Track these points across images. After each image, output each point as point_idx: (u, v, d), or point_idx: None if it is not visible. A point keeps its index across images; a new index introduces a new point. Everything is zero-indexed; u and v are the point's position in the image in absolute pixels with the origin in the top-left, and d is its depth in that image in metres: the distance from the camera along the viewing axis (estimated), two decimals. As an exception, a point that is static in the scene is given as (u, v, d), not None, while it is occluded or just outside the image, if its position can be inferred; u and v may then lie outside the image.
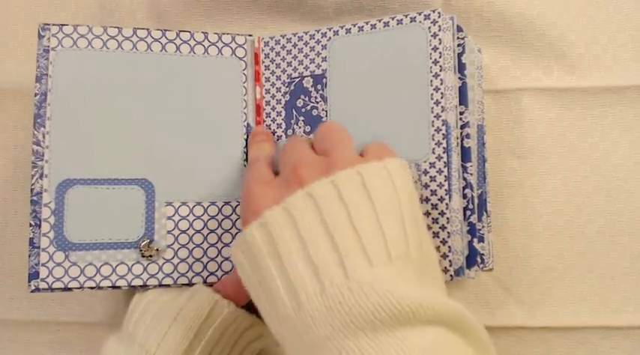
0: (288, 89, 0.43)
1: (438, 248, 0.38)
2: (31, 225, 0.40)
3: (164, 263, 0.41)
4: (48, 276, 0.39)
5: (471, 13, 0.47)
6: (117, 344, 0.39)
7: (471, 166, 0.40)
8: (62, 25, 0.41)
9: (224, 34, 0.44)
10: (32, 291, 0.39)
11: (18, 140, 0.49)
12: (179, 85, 0.42)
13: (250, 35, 0.44)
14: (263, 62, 0.44)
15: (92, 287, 0.40)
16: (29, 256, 0.39)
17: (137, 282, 0.40)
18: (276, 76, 0.44)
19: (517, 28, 0.47)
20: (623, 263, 0.46)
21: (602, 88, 0.47)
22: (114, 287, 0.40)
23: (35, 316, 0.47)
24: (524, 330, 0.46)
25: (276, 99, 0.44)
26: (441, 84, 0.39)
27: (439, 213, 0.38)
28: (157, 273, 0.41)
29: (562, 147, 0.47)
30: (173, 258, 0.41)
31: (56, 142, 0.40)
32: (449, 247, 0.38)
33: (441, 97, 0.39)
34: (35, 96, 0.40)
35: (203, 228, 0.42)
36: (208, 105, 0.43)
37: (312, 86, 0.43)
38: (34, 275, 0.39)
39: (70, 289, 0.40)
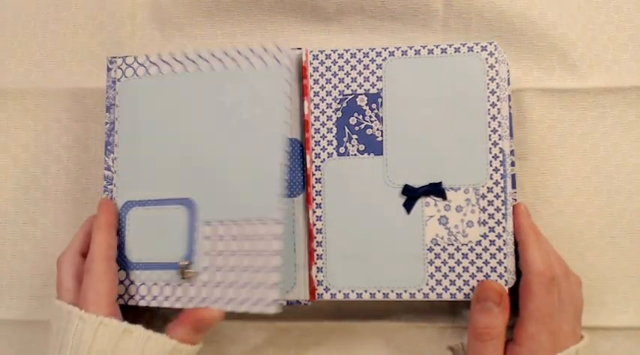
0: (340, 106, 0.43)
1: (494, 268, 0.40)
2: None
3: (202, 286, 0.40)
4: None
5: (472, 13, 0.47)
6: None
7: (515, 192, 0.42)
8: (125, 56, 0.44)
9: (269, 45, 0.42)
10: None
11: (18, 140, 0.49)
12: (225, 101, 0.42)
13: (299, 48, 0.43)
14: (312, 76, 0.44)
15: (145, 306, 0.41)
16: None
17: (178, 305, 0.40)
18: (326, 91, 0.43)
19: (518, 28, 0.47)
20: (624, 264, 0.46)
21: (603, 88, 0.47)
22: (162, 307, 0.41)
23: (35, 316, 0.47)
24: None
25: (327, 116, 0.43)
26: (498, 113, 0.41)
27: (496, 236, 0.40)
28: (196, 296, 0.40)
29: (563, 148, 0.47)
30: (210, 281, 0.40)
31: (119, 167, 0.42)
32: (505, 268, 0.40)
33: (498, 126, 0.41)
34: (105, 125, 0.44)
35: (239, 250, 0.40)
36: (253, 118, 0.41)
37: (366, 105, 0.43)
38: None
39: (128, 307, 0.41)
